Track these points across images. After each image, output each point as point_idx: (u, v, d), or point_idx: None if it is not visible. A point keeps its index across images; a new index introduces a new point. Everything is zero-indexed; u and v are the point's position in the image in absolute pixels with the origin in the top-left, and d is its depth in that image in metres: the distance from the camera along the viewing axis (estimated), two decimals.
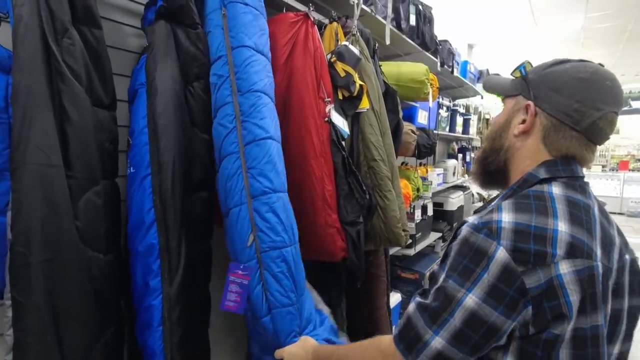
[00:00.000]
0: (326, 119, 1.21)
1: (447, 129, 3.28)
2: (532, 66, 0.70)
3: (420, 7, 2.28)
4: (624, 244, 0.65)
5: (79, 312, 0.80)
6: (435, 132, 2.74)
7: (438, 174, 2.87)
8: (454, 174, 3.28)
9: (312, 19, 1.22)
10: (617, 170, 9.20)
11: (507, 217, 0.56)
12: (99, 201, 0.86)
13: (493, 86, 0.78)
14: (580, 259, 0.54)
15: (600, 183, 8.37)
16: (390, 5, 1.90)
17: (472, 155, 4.47)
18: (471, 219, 0.61)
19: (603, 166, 9.90)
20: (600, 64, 0.66)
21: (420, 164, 2.92)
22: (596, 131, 0.63)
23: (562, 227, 0.55)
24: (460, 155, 3.75)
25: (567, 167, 0.64)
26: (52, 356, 0.75)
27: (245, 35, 1.00)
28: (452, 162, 3.29)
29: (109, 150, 0.93)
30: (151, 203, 0.93)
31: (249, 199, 0.95)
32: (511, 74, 0.73)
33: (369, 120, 1.40)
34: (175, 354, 0.93)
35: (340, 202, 1.23)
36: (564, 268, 0.53)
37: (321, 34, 1.39)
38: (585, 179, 0.66)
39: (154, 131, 0.94)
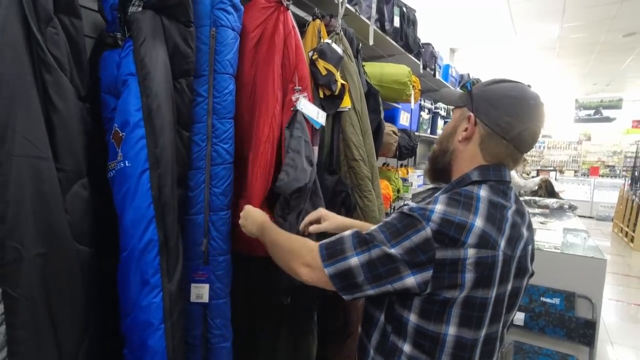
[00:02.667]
0: (292, 108, 1.16)
1: (429, 131, 3.32)
2: (476, 83, 0.83)
3: (404, 9, 2.29)
4: (531, 237, 0.81)
5: (71, 305, 0.81)
6: (416, 133, 2.76)
7: (419, 176, 2.90)
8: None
9: (285, 5, 1.17)
10: (588, 175, 9.59)
11: (439, 208, 0.70)
12: (85, 194, 0.86)
13: (444, 97, 0.93)
14: (484, 249, 0.68)
15: (572, 188, 8.68)
16: (374, 5, 1.90)
17: None
18: (412, 203, 0.76)
19: (575, 171, 10.30)
20: (528, 85, 0.79)
21: (401, 165, 2.94)
22: (521, 141, 0.76)
23: (478, 222, 0.69)
24: None
25: (497, 172, 0.78)
26: (49, 349, 0.76)
27: (229, 64, 1.08)
28: None
29: (88, 143, 0.90)
30: (150, 198, 0.91)
31: (207, 211, 1.08)
32: (460, 88, 0.86)
33: (351, 119, 1.39)
34: (177, 351, 0.94)
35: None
36: (470, 254, 0.67)
37: (304, 32, 1.37)
38: (510, 184, 0.81)
39: (152, 126, 0.92)
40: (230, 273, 1.14)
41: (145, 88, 0.92)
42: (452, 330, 0.71)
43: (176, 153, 0.99)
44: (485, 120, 0.77)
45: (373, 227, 0.76)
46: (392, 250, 0.69)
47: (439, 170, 0.87)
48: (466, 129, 0.79)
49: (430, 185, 3.14)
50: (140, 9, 0.98)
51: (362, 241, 0.73)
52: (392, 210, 2.32)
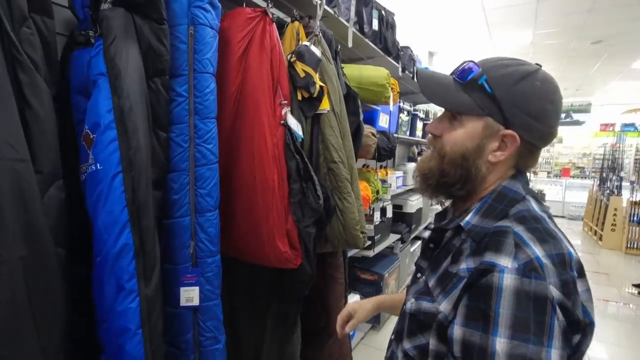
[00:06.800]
0: (282, 121, 1.19)
1: (408, 132, 3.37)
2: (488, 73, 0.61)
3: (383, 12, 2.32)
4: None
5: (52, 307, 0.80)
6: (395, 135, 2.80)
7: (398, 177, 2.94)
8: (413, 176, 3.37)
9: (271, 16, 1.19)
10: (559, 176, 9.96)
11: (540, 252, 0.52)
12: (62, 195, 0.85)
13: (441, 98, 0.66)
14: (583, 275, 0.55)
15: (546, 188, 9.02)
16: (353, 8, 1.91)
17: None
18: (502, 261, 0.52)
19: (548, 172, 10.67)
20: (539, 65, 0.65)
21: (381, 167, 2.98)
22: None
23: (569, 248, 0.55)
24: (419, 159, 3.87)
25: (526, 179, 0.65)
26: (32, 352, 0.75)
27: (209, 63, 1.06)
28: (411, 165, 3.39)
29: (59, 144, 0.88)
30: (124, 202, 0.89)
31: (193, 213, 1.06)
32: (462, 80, 0.64)
33: (330, 122, 1.40)
34: (156, 356, 0.93)
35: (293, 207, 1.21)
36: (580, 287, 0.53)
37: (282, 33, 1.37)
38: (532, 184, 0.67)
39: (124, 128, 0.90)
40: (220, 274, 1.13)
41: (117, 88, 0.90)
42: None
43: (153, 155, 0.97)
44: (526, 136, 0.60)
45: (494, 345, 0.48)
46: (555, 355, 0.48)
47: (447, 188, 0.66)
48: (500, 149, 0.62)
49: (410, 187, 3.20)
50: (110, 6, 0.96)
51: None
52: (371, 212, 2.34)
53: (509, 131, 0.60)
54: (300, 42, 1.35)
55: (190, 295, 1.08)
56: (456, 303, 0.56)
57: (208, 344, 1.11)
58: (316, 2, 1.48)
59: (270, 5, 1.21)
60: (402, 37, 2.73)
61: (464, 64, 0.64)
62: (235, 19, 1.17)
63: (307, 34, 1.41)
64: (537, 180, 9.37)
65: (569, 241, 0.57)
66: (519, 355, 0.47)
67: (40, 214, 0.77)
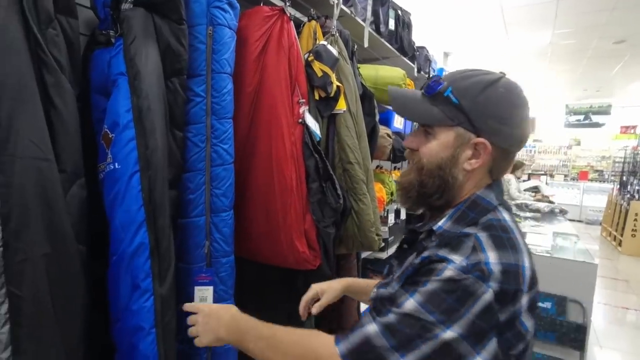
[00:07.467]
0: (300, 120, 1.18)
1: None
2: (453, 85, 0.64)
3: (399, 12, 2.30)
4: None
5: (73, 304, 0.82)
6: None
7: None
8: (396, 190, 3.33)
9: (289, 15, 1.18)
10: (577, 180, 9.73)
11: (493, 258, 0.57)
12: (83, 194, 0.86)
13: (412, 113, 0.70)
14: (534, 288, 0.60)
15: (562, 192, 8.81)
16: (370, 8, 1.89)
17: None
18: (454, 257, 0.57)
19: (565, 175, 10.45)
20: (503, 74, 0.68)
21: (395, 168, 2.94)
22: (523, 145, 0.69)
23: (525, 261, 0.60)
24: (400, 173, 3.82)
25: (500, 188, 0.68)
26: (53, 347, 0.77)
27: (227, 63, 1.06)
28: None
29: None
30: (141, 201, 0.89)
31: (208, 213, 1.06)
32: (429, 94, 0.67)
33: (346, 122, 1.38)
34: (169, 356, 0.93)
35: (312, 206, 1.20)
36: (524, 301, 0.57)
37: (299, 32, 1.36)
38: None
39: (142, 127, 0.90)
40: (234, 275, 1.13)
41: (136, 88, 0.90)
42: None
43: (169, 154, 0.98)
44: (496, 141, 0.64)
45: (404, 301, 0.57)
46: (450, 335, 0.54)
47: (427, 198, 0.69)
48: (474, 157, 0.65)
49: None
50: (131, 6, 0.96)
51: (404, 338, 0.56)
52: (385, 214, 2.32)
53: (480, 139, 0.64)
54: (317, 42, 1.33)
55: (204, 295, 1.08)
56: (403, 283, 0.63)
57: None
58: (333, 2, 1.47)
59: (287, 4, 1.20)
60: (418, 37, 2.69)
61: (431, 79, 0.68)
62: (252, 17, 1.17)
63: (324, 34, 1.40)
64: (554, 184, 9.17)
65: (530, 255, 0.62)
66: (417, 318, 0.55)
67: (64, 212, 0.79)
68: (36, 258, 0.74)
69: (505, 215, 0.65)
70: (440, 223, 0.65)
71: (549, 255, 2.26)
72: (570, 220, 3.49)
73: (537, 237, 2.74)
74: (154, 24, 0.96)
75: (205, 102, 1.04)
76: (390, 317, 0.58)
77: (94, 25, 1.08)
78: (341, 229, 1.33)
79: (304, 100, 1.19)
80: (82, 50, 1.04)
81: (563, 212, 3.70)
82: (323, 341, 0.64)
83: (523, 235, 0.65)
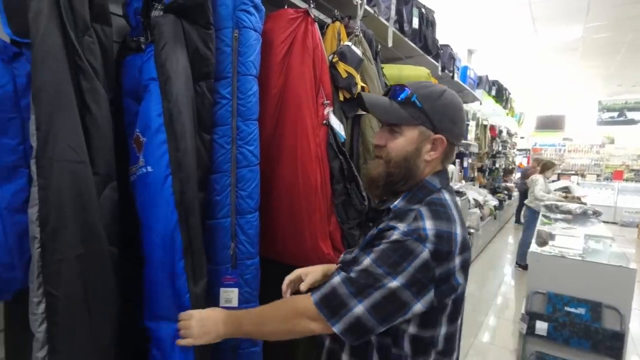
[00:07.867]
0: (324, 121, 1.18)
1: None
2: (417, 92, 0.79)
3: (423, 10, 2.26)
4: None
5: (105, 303, 0.85)
6: None
7: None
8: (451, 179, 3.27)
9: (313, 17, 1.18)
10: (611, 179, 9.27)
11: (429, 225, 0.71)
12: (115, 196, 0.89)
13: (385, 113, 0.82)
14: (466, 252, 0.75)
15: (594, 192, 8.41)
16: (393, 7, 1.87)
17: (470, 160, 4.45)
18: (399, 225, 0.73)
19: (597, 175, 9.98)
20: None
21: None
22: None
23: (458, 230, 0.74)
24: (457, 161, 3.74)
25: (446, 175, 0.84)
26: (87, 345, 0.80)
27: (252, 66, 1.07)
28: (450, 168, 3.27)
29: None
30: (173, 203, 0.92)
31: (234, 214, 1.07)
32: (397, 100, 0.80)
33: (370, 123, 1.37)
34: (204, 353, 0.97)
35: (337, 208, 1.19)
36: (458, 260, 0.73)
37: (323, 34, 1.36)
38: None
39: (173, 131, 0.93)
40: (259, 277, 1.13)
41: (167, 93, 0.93)
42: (444, 329, 0.76)
43: (197, 156, 1.00)
44: (449, 137, 0.80)
45: (363, 260, 0.73)
46: (395, 284, 0.69)
47: (393, 185, 0.81)
48: (433, 150, 0.80)
49: None
50: (162, 13, 0.99)
51: (360, 286, 0.71)
52: None
53: (438, 135, 0.79)
54: (342, 43, 1.33)
55: (229, 297, 1.09)
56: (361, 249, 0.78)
57: (245, 346, 1.11)
58: (356, 2, 1.46)
59: (312, 6, 1.20)
60: (441, 34, 2.63)
61: (396, 87, 0.82)
62: (277, 20, 1.18)
63: (348, 34, 1.39)
64: (585, 184, 8.78)
65: (463, 226, 0.78)
66: (371, 272, 0.70)
67: (97, 214, 0.81)
68: (71, 259, 0.76)
69: (446, 196, 0.80)
70: (396, 202, 0.80)
71: (580, 259, 2.16)
72: (604, 222, 3.32)
73: (566, 240, 2.61)
74: (183, 29, 0.98)
75: (231, 104, 1.05)
76: (352, 273, 0.73)
77: (125, 33, 1.11)
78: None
79: (328, 101, 1.19)
80: (115, 56, 1.08)
81: (597, 213, 3.52)
82: (301, 298, 0.79)
83: (460, 211, 0.81)
